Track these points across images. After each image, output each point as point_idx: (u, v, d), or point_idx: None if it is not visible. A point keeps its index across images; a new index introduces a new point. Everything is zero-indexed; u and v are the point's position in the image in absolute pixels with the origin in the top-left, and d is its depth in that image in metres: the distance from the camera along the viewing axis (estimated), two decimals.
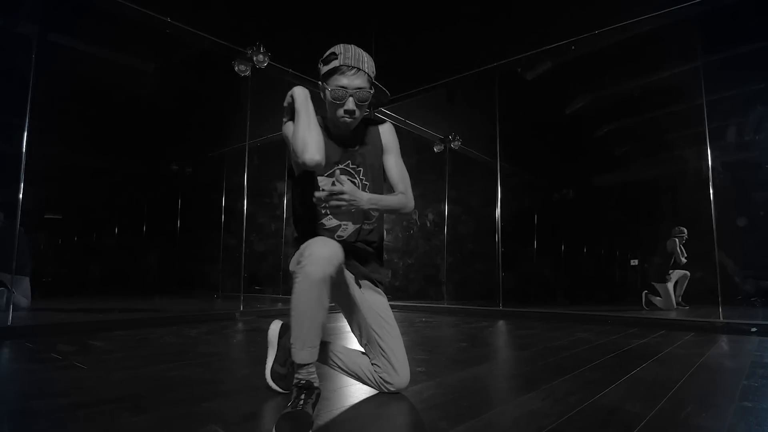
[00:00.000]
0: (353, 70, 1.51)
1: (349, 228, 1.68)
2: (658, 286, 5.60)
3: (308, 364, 1.36)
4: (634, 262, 7.95)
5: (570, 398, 1.59)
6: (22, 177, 3.68)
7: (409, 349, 2.64)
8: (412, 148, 7.01)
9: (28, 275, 4.66)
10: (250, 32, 4.67)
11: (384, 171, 1.74)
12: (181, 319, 4.01)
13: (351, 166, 1.67)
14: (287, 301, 1.40)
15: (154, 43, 5.27)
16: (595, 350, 2.62)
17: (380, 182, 1.72)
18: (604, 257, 8.59)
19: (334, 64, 1.51)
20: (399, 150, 1.75)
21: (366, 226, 1.70)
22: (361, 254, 1.71)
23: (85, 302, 5.70)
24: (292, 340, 1.37)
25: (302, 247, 1.38)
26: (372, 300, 1.68)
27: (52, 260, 8.47)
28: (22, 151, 3.66)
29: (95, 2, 3.84)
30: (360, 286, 1.68)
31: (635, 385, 1.80)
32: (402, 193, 1.68)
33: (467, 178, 7.43)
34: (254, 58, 4.62)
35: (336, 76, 1.51)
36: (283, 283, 6.63)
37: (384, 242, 1.85)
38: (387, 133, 1.75)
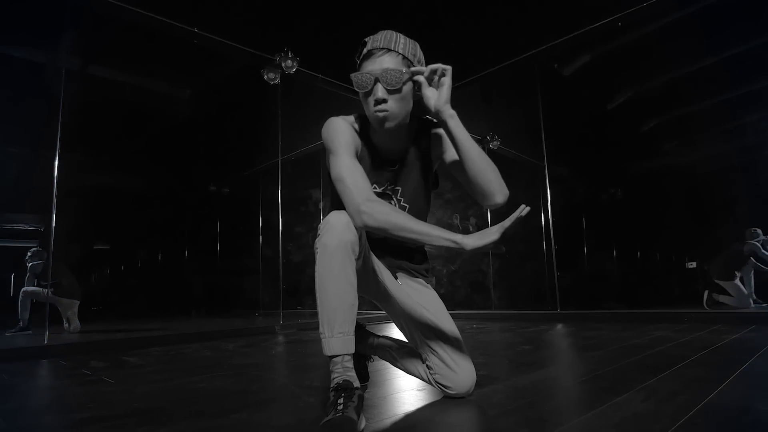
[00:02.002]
0: (382, 51, 1.22)
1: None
2: (725, 284, 5.05)
3: (342, 357, 1.12)
4: (692, 265, 7.31)
5: (678, 398, 1.27)
6: (54, 208, 3.62)
7: None
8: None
9: (78, 299, 4.70)
10: (277, 39, 4.58)
11: (429, 189, 1.43)
12: (220, 334, 3.85)
13: (389, 187, 1.38)
14: None
15: (185, 61, 5.27)
16: (684, 347, 2.25)
17: (422, 204, 1.42)
18: (660, 257, 7.97)
19: (365, 51, 1.25)
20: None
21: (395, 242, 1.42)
22: (397, 247, 1.44)
23: (127, 324, 5.68)
24: (320, 329, 1.13)
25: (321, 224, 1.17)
26: (412, 291, 1.42)
27: (102, 289, 8.64)
28: (53, 183, 3.61)
29: (124, 19, 3.81)
30: (396, 278, 1.43)
31: (756, 382, 1.45)
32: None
33: (510, 178, 7.05)
34: (283, 64, 4.51)
35: (364, 63, 1.24)
36: None
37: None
38: (443, 138, 1.38)
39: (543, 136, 5.37)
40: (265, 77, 4.62)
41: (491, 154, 6.97)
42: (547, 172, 5.20)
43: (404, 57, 1.23)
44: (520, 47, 4.79)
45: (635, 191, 7.74)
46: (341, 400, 1.03)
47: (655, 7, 3.93)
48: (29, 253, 4.68)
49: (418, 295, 1.42)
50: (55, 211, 3.56)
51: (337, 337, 1.11)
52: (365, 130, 1.35)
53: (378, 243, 1.37)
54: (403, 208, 1.40)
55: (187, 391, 1.67)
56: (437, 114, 1.23)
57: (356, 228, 1.14)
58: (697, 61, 5.86)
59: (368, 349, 1.55)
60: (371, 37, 1.26)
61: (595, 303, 6.38)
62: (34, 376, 2.25)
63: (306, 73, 4.77)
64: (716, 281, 5.12)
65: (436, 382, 1.36)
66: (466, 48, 5.17)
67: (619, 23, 4.11)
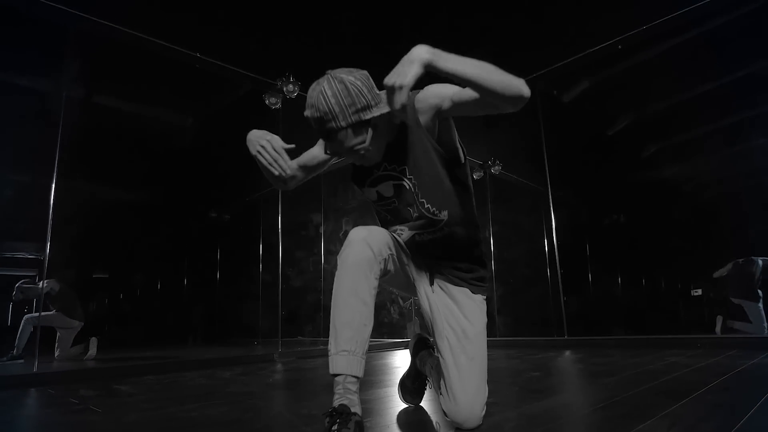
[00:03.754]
0: (334, 131, 1.13)
1: (404, 234, 1.34)
2: (749, 305, 4.85)
3: (345, 377, 1.04)
4: (697, 292, 7.17)
5: (704, 426, 1.17)
6: (49, 235, 3.56)
7: None
8: None
9: (82, 321, 4.70)
10: (278, 64, 4.60)
11: (442, 157, 1.28)
12: (217, 362, 3.72)
13: (393, 167, 1.29)
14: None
15: (187, 85, 5.30)
16: (702, 372, 2.14)
17: (433, 178, 1.27)
18: (666, 282, 7.83)
19: (315, 127, 1.17)
20: (454, 93, 1.18)
21: (424, 237, 1.32)
22: (440, 250, 1.33)
23: (124, 352, 5.53)
24: (328, 345, 1.06)
25: None
26: (444, 303, 1.31)
27: (100, 317, 8.49)
28: (49, 209, 3.54)
29: (126, 43, 3.82)
30: (433, 283, 1.34)
31: None
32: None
33: (511, 203, 7.04)
34: (284, 89, 4.52)
35: (326, 142, 1.20)
36: (324, 320, 6.31)
37: (480, 239, 1.39)
38: (421, 103, 1.22)
39: (546, 160, 5.34)
40: (267, 102, 4.62)
41: (493, 179, 6.95)
42: (550, 196, 5.14)
43: (352, 122, 1.12)
44: (520, 71, 4.80)
45: (639, 216, 7.67)
46: (335, 427, 0.95)
47: (655, 30, 3.94)
48: (23, 285, 4.62)
49: (448, 310, 1.31)
50: (49, 239, 3.48)
51: (341, 354, 1.04)
52: None
53: (418, 247, 1.33)
54: (417, 191, 1.28)
55: (177, 420, 1.56)
56: (428, 66, 1.07)
57: None
58: (698, 85, 5.89)
59: (423, 365, 1.47)
60: (308, 111, 1.15)
61: (603, 329, 6.23)
62: (19, 404, 2.13)
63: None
64: (737, 300, 4.92)
65: (441, 405, 1.26)
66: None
67: (619, 46, 4.13)
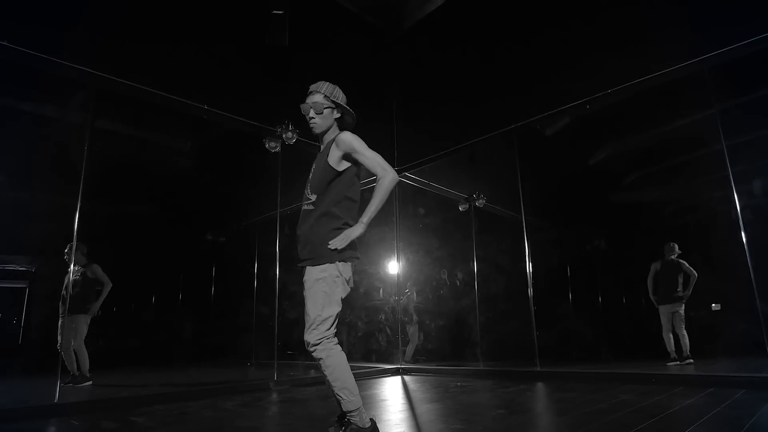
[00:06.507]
0: (312, 92, 2.12)
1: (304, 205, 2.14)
2: (677, 307, 5.34)
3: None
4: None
5: None
6: (72, 257, 3.95)
7: (445, 419, 2.61)
8: (437, 209, 7.12)
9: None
10: (279, 110, 4.99)
11: (329, 169, 2.06)
12: (217, 391, 4.04)
13: (312, 167, 2.19)
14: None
15: (193, 126, 5.71)
16: (638, 414, 2.52)
17: (319, 177, 2.07)
18: (644, 310, 8.25)
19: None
20: (358, 146, 2.03)
21: (303, 206, 2.10)
22: (306, 219, 2.08)
23: (124, 375, 5.81)
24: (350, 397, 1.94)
25: None
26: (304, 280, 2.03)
27: (93, 333, 8.68)
28: (74, 231, 3.93)
29: (140, 95, 4.20)
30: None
31: None
32: (380, 177, 2.01)
33: (494, 235, 7.44)
34: (283, 136, 4.92)
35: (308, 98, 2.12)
36: None
37: (331, 215, 2.05)
38: (333, 144, 2.06)
39: (521, 194, 5.68)
40: (266, 146, 5.01)
41: (478, 211, 7.36)
42: (525, 228, 5.48)
43: (324, 95, 2.10)
44: (501, 120, 5.25)
45: (619, 243, 8.08)
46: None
47: (616, 93, 4.41)
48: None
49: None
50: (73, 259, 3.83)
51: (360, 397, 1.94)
52: None
53: (302, 214, 2.10)
54: (310, 176, 2.13)
55: None
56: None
57: None
58: (673, 121, 6.40)
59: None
60: (312, 86, 2.14)
61: (576, 360, 6.59)
62: None
63: (305, 142, 5.15)
64: (663, 305, 5.44)
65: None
66: (453, 122, 5.67)
67: (587, 106, 4.59)
